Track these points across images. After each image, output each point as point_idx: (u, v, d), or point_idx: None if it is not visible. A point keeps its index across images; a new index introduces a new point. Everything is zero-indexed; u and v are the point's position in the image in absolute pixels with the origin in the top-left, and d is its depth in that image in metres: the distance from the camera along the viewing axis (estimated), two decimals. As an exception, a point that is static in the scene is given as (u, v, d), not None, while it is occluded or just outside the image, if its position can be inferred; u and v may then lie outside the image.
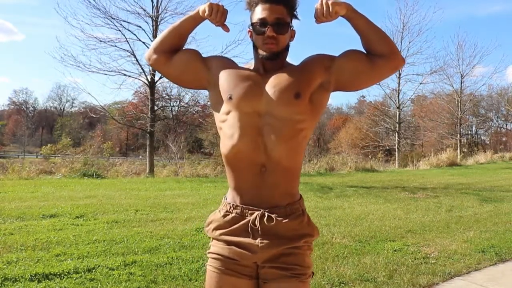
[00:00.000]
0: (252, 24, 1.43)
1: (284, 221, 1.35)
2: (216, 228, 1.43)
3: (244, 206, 1.38)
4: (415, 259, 3.93)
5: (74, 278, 3.12)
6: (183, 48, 1.54)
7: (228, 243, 1.38)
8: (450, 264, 3.84)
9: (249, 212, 1.36)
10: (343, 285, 3.25)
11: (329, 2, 1.36)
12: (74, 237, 4.24)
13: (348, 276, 3.40)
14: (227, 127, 1.39)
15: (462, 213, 6.37)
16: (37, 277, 3.10)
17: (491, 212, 6.56)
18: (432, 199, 7.85)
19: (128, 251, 3.85)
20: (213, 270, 1.39)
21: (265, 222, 1.33)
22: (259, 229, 1.34)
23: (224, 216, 1.41)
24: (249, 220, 1.35)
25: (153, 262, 3.54)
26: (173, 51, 1.51)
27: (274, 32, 1.37)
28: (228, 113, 1.40)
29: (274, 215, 1.34)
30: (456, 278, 3.54)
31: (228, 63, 1.51)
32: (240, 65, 1.53)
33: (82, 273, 3.21)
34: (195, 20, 1.49)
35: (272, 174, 1.35)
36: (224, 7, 1.45)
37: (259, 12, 1.40)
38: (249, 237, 1.35)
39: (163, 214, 5.62)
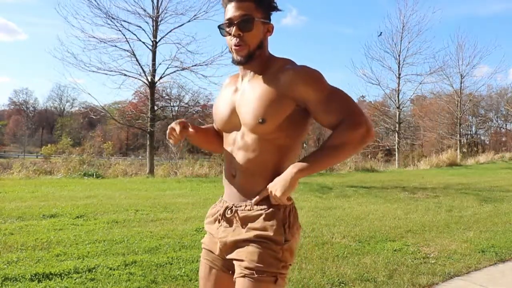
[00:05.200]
0: (221, 25, 1.41)
1: (242, 214, 1.40)
2: (206, 219, 1.57)
3: (224, 199, 1.50)
4: (415, 259, 3.93)
5: (74, 278, 3.12)
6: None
7: (209, 232, 1.53)
8: (450, 264, 3.84)
9: (225, 204, 1.47)
10: (343, 285, 3.25)
11: (277, 195, 1.31)
12: (74, 237, 4.24)
13: (348, 276, 3.40)
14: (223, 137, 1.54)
15: (462, 213, 6.37)
16: (37, 277, 3.10)
17: (491, 212, 6.56)
18: (432, 199, 7.86)
19: (128, 251, 3.85)
20: (202, 260, 1.54)
21: (228, 212, 1.43)
22: (225, 218, 1.44)
23: (213, 207, 1.55)
24: (220, 211, 1.47)
25: (153, 262, 3.54)
26: (219, 138, 1.62)
27: (239, 30, 1.35)
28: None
29: (241, 208, 1.40)
30: (456, 278, 3.54)
31: (224, 88, 1.56)
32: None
33: (83, 273, 3.21)
34: (191, 137, 1.60)
35: (240, 178, 1.43)
36: (176, 125, 1.49)
37: (227, 11, 1.38)
38: (217, 224, 1.48)
39: (163, 214, 5.62)
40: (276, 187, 1.32)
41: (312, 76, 1.35)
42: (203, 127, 1.66)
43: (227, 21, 1.37)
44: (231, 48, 1.38)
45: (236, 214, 1.40)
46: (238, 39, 1.35)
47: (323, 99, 1.34)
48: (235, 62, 1.39)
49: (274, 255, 1.33)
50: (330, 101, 1.34)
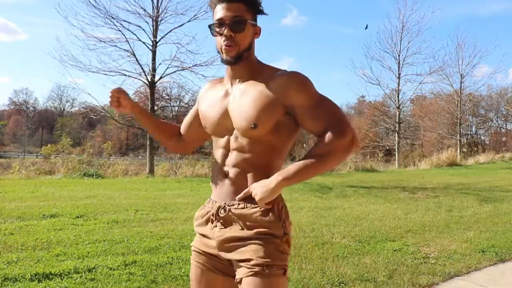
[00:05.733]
0: (211, 25, 1.41)
1: (237, 212, 1.39)
2: (195, 221, 1.57)
3: (213, 199, 1.48)
4: (415, 259, 3.93)
5: (74, 278, 3.12)
6: (184, 122, 1.70)
7: (199, 234, 1.52)
8: (450, 264, 3.85)
9: (216, 204, 1.45)
10: (343, 285, 3.25)
11: (256, 199, 1.34)
12: (74, 237, 4.24)
13: (348, 276, 3.40)
14: (212, 142, 1.55)
15: (462, 213, 6.37)
16: (37, 277, 3.10)
17: (491, 212, 6.56)
18: (432, 199, 7.86)
19: (128, 251, 3.85)
20: (192, 263, 1.51)
21: (222, 211, 1.42)
22: (219, 218, 1.43)
23: (201, 209, 1.53)
24: (211, 211, 1.46)
25: (153, 262, 3.54)
26: (177, 135, 1.72)
27: (231, 31, 1.35)
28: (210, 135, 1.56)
29: (234, 206, 1.40)
30: (456, 278, 3.54)
31: (205, 92, 1.58)
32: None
33: (82, 273, 3.22)
34: (136, 116, 1.67)
35: (234, 177, 1.42)
36: (116, 90, 1.57)
37: (217, 12, 1.39)
38: (210, 224, 1.46)
39: (163, 214, 5.62)
40: (256, 191, 1.34)
41: (305, 82, 1.38)
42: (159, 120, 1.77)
43: (217, 21, 1.38)
44: (221, 48, 1.39)
45: (231, 213, 1.40)
46: (229, 39, 1.36)
47: (312, 105, 1.36)
48: (225, 62, 1.40)
49: (278, 248, 1.35)
50: (319, 107, 1.36)
